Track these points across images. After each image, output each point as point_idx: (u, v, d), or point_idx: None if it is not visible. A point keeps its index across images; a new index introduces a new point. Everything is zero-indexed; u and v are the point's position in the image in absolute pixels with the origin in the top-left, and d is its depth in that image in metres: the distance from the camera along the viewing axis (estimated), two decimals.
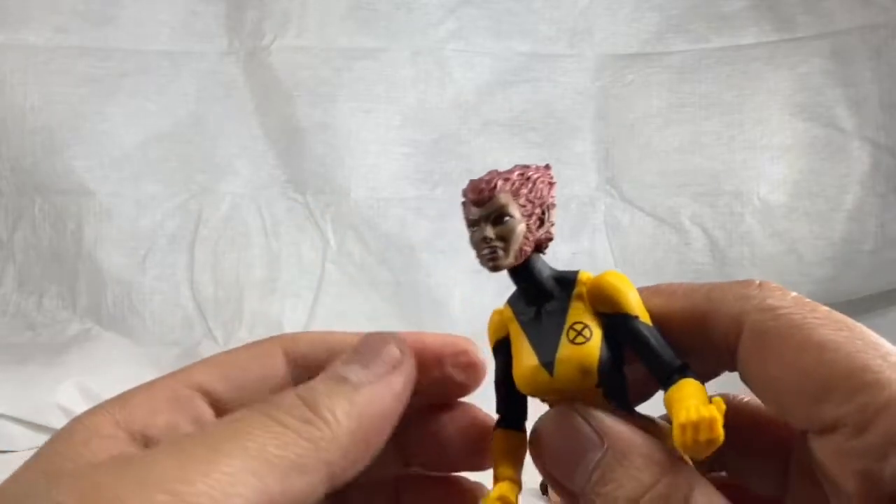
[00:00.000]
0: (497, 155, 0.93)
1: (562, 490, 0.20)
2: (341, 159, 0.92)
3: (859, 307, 0.90)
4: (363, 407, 0.19)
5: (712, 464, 0.22)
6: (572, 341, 0.20)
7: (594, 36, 0.94)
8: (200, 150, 0.92)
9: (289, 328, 0.89)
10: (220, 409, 0.22)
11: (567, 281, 0.21)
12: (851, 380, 0.17)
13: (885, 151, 0.90)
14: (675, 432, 0.18)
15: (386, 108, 0.92)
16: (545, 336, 0.21)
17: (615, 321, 0.21)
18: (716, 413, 0.18)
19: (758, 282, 0.20)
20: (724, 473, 0.24)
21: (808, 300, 0.19)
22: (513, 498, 0.21)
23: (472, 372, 0.23)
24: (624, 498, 0.18)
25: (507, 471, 0.22)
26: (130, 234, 0.90)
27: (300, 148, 0.92)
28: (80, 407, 0.73)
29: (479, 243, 0.21)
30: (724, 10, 0.93)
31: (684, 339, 0.21)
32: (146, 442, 0.20)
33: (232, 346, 0.23)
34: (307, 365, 0.22)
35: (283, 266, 0.92)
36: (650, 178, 0.93)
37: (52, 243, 0.90)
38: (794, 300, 0.19)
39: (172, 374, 0.22)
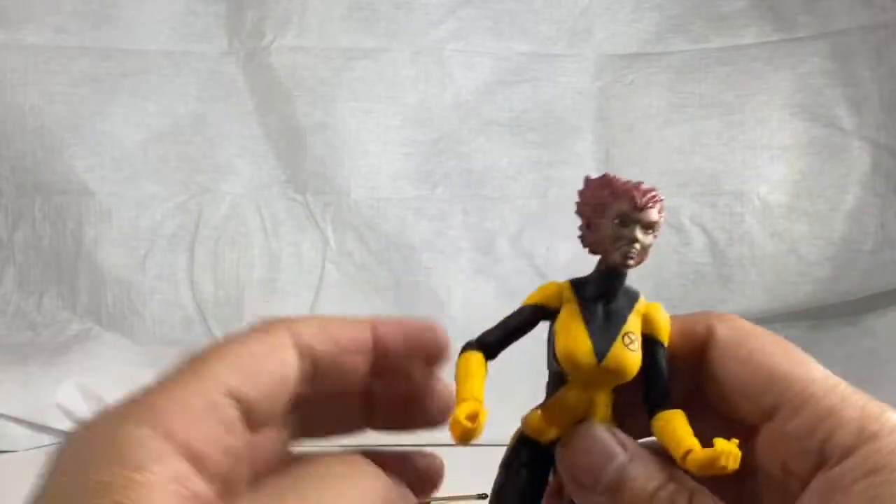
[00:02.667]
0: (497, 155, 0.93)
1: (584, 496, 0.24)
2: (341, 159, 0.92)
3: (859, 307, 0.90)
4: None
5: None
6: (626, 346, 0.24)
7: (594, 36, 0.94)
8: (200, 150, 0.92)
9: None
10: (247, 414, 0.21)
11: (631, 295, 0.25)
12: (789, 375, 0.23)
13: (885, 151, 0.90)
14: (711, 453, 0.22)
15: (386, 108, 0.92)
16: (603, 330, 0.24)
17: (651, 343, 0.25)
18: (738, 450, 0.22)
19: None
20: None
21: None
22: (482, 416, 0.22)
23: (445, 357, 0.26)
24: (644, 490, 0.23)
25: (475, 390, 0.23)
26: (130, 234, 0.90)
27: (300, 148, 0.92)
28: (81, 407, 0.73)
29: (626, 240, 0.24)
30: (724, 10, 0.93)
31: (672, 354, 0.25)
32: (193, 459, 0.19)
33: None
34: (315, 358, 0.23)
35: (283, 266, 0.92)
36: (650, 178, 0.92)
37: (52, 243, 0.90)
38: (745, 322, 0.25)
39: (199, 376, 0.21)
